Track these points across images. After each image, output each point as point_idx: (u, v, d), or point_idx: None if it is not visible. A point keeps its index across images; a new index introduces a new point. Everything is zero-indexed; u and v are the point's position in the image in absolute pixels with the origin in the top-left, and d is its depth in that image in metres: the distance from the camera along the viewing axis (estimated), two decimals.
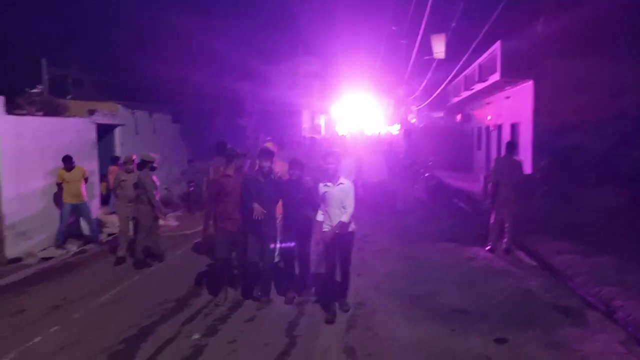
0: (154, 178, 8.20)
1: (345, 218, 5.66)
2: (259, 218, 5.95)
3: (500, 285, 6.98)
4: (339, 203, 5.71)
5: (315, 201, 6.03)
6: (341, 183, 5.75)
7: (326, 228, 5.85)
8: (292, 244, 6.36)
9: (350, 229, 5.84)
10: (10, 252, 8.46)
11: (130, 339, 5.36)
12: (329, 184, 5.80)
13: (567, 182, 11.83)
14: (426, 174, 16.09)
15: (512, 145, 9.19)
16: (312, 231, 6.23)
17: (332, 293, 6.02)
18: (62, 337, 5.44)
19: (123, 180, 8.42)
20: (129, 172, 8.44)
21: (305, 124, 33.00)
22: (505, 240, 8.71)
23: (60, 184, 9.41)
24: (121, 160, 9.55)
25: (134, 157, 8.65)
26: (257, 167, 6.37)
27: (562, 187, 11.60)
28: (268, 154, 6.36)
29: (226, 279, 6.54)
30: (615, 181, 11.28)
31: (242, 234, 6.30)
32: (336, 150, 6.17)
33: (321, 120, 38.13)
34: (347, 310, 5.95)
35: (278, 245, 6.45)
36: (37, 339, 5.38)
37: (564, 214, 10.40)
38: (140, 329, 5.62)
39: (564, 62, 13.16)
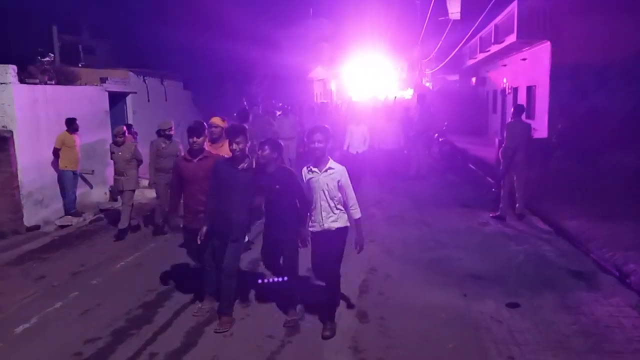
0: (180, 147, 7.81)
1: (356, 213, 4.64)
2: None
3: (514, 250, 6.97)
4: (327, 194, 4.54)
5: (301, 192, 4.71)
6: (330, 168, 4.56)
7: (314, 227, 4.66)
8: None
9: (340, 225, 4.64)
10: (29, 220, 8.61)
11: (147, 304, 5.48)
12: (314, 169, 4.58)
13: (587, 145, 11.62)
14: (440, 139, 15.94)
15: (522, 108, 9.08)
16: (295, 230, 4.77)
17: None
18: (82, 302, 5.58)
19: (112, 153, 8.22)
20: (119, 144, 8.14)
21: (317, 89, 32.67)
22: (517, 205, 8.65)
23: (59, 150, 9.04)
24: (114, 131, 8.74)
25: (125, 128, 8.39)
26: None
27: (582, 151, 11.41)
28: (236, 132, 4.71)
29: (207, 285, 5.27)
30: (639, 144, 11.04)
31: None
32: (325, 126, 4.79)
33: (332, 86, 37.72)
34: (327, 337, 4.58)
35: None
36: (57, 305, 5.52)
37: (582, 178, 10.25)
38: (157, 294, 5.74)
39: (583, 21, 12.70)
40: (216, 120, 6.57)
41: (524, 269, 6.25)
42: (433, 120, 14.49)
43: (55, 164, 9.26)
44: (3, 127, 8.33)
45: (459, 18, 19.88)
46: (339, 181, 4.55)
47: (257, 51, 18.14)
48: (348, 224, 4.71)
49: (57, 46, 12.20)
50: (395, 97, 18.83)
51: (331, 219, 4.61)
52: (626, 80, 12.57)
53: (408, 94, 32.34)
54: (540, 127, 13.37)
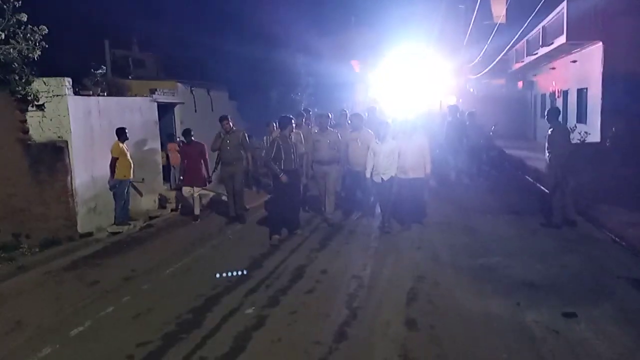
0: None
1: None
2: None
3: (568, 258, 6.70)
4: None
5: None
6: None
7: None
8: None
9: None
10: (82, 227, 8.90)
11: (196, 309, 5.54)
12: None
13: None
14: (488, 145, 15.55)
15: (557, 111, 8.82)
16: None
17: None
18: (133, 307, 5.71)
19: None
20: None
21: (360, 96, 32.69)
22: (569, 211, 8.31)
23: (117, 159, 9.20)
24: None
25: None
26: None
27: (639, 153, 10.90)
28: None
29: None
30: None
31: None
32: None
33: (372, 93, 37.58)
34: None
35: None
36: (110, 309, 5.66)
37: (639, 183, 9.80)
38: (206, 299, 5.80)
39: (636, 20, 12.17)
40: None
41: (580, 277, 6.00)
42: (478, 127, 14.10)
43: (109, 172, 9.51)
44: (59, 137, 8.67)
45: (504, 21, 19.43)
46: None
47: (300, 59, 18.28)
48: None
49: (109, 59, 12.64)
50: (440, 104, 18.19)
51: None
52: None
53: (452, 100, 31.83)
54: (593, 131, 12.89)
